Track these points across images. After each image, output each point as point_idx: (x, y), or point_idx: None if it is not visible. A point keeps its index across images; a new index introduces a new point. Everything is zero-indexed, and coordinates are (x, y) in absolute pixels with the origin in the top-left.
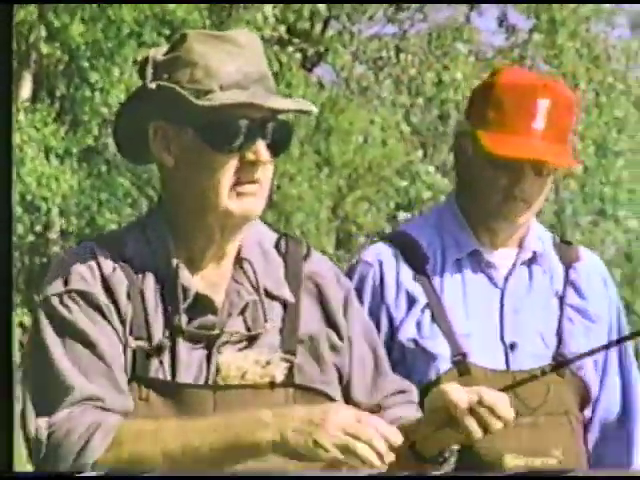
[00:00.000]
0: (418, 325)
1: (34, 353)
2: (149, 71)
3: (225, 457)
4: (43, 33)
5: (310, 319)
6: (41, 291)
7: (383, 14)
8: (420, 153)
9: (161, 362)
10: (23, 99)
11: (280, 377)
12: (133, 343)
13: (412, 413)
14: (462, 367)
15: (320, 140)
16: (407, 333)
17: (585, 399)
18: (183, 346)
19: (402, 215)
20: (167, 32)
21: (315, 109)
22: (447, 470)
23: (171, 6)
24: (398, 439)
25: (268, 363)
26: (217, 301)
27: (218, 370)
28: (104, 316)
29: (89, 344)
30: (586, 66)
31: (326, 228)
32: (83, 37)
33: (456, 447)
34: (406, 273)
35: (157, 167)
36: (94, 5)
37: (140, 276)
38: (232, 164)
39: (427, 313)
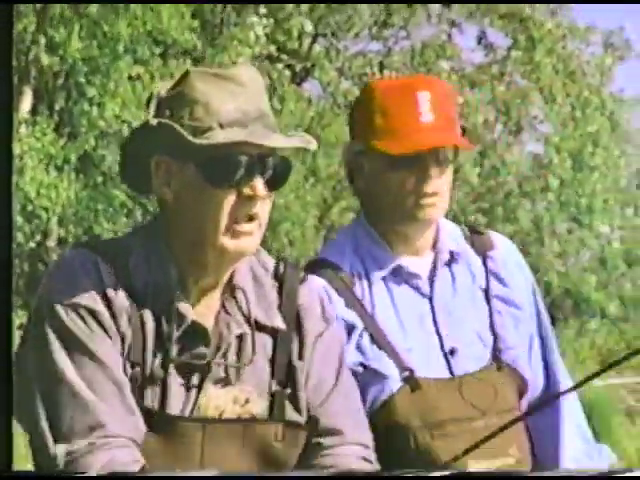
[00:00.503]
0: (360, 349)
1: (39, 364)
2: (153, 107)
3: None
4: (42, 43)
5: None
6: (43, 296)
7: (368, 32)
8: None
9: (154, 391)
10: (24, 112)
11: (260, 413)
12: (129, 369)
13: (345, 464)
14: (412, 383)
15: (307, 153)
16: (352, 358)
17: (522, 390)
18: (173, 376)
19: None
20: (159, 50)
21: (314, 145)
22: None
23: (165, 26)
24: None
25: (247, 401)
26: (210, 331)
27: (198, 407)
28: (109, 337)
29: (100, 364)
30: (562, 81)
31: (312, 236)
32: (80, 53)
33: None
34: (337, 302)
35: (157, 199)
36: (91, 21)
37: (141, 300)
38: (230, 199)
39: (366, 336)
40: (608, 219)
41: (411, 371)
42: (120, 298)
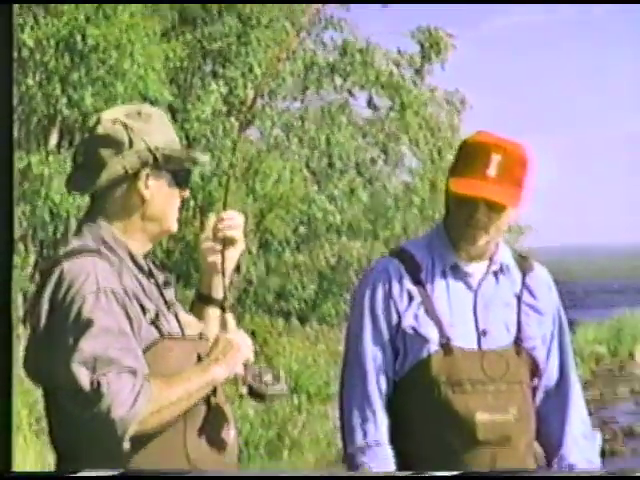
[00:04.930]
0: (415, 317)
1: (77, 330)
2: (125, 137)
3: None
4: (64, 102)
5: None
6: (71, 286)
7: (291, 95)
8: (315, 187)
9: (161, 324)
10: (51, 145)
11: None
12: (148, 317)
13: None
14: (446, 348)
15: (249, 179)
16: (407, 322)
17: (534, 372)
18: (168, 311)
19: (302, 229)
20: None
21: (207, 158)
22: None
23: (150, 88)
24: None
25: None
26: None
27: (187, 327)
28: (126, 309)
29: (122, 329)
30: (424, 134)
31: (251, 236)
32: (92, 106)
33: None
34: (406, 278)
35: (130, 197)
36: (100, 84)
37: (123, 272)
38: (179, 197)
39: (422, 308)
40: None
41: (448, 339)
42: (123, 276)
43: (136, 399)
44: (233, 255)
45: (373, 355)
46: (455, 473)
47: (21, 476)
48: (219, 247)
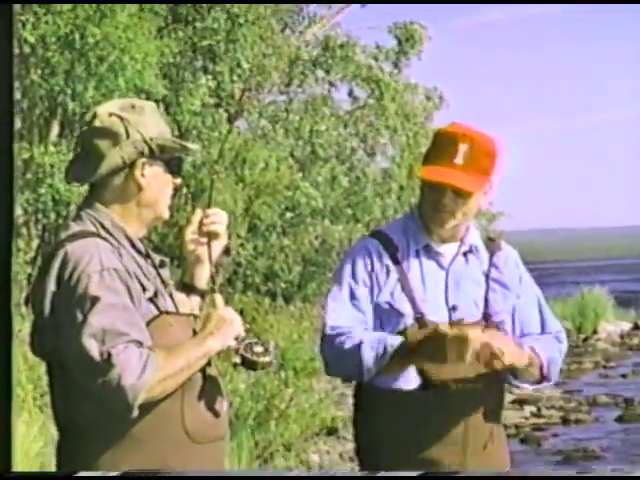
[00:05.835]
0: (391, 293)
1: (84, 306)
2: (122, 129)
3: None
4: (69, 93)
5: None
6: (76, 266)
7: (277, 88)
8: (300, 175)
9: (159, 302)
10: (53, 137)
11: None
12: (147, 294)
13: None
14: (421, 322)
15: (238, 167)
16: (384, 297)
17: None
18: (164, 290)
19: (288, 214)
20: (143, 97)
21: (198, 147)
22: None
23: (146, 82)
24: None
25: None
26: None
27: (181, 305)
28: (128, 286)
29: (126, 305)
30: (401, 120)
31: (240, 220)
32: (92, 99)
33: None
34: (385, 256)
35: (127, 185)
36: (99, 79)
37: (123, 254)
38: (171, 184)
39: (398, 285)
40: None
41: (422, 314)
42: (124, 257)
43: (144, 368)
44: (217, 248)
45: (352, 315)
46: (456, 473)
47: (21, 476)
48: (204, 240)
